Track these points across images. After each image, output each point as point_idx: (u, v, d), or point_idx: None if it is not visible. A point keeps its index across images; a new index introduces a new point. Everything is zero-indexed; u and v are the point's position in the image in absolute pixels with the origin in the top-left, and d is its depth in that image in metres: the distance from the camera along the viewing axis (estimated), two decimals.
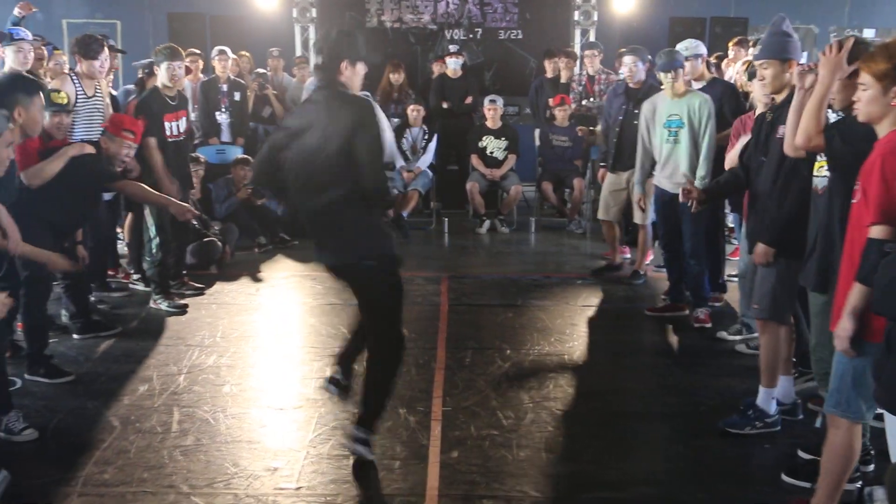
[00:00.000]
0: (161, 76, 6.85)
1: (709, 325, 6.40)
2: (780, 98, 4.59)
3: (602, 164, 7.83)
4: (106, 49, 6.51)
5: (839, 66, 3.71)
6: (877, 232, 3.19)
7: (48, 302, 5.52)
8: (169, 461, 4.23)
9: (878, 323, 3.19)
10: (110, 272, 7.45)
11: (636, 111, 7.14)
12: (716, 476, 4.21)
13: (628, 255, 8.34)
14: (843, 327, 3.31)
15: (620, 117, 7.42)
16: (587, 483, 4.11)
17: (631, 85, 7.36)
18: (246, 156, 9.45)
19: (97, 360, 5.69)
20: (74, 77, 6.39)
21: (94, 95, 6.45)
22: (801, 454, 4.30)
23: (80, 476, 4.09)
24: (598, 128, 8.55)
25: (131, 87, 8.07)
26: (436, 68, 11.00)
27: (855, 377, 3.37)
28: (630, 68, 7.24)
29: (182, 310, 6.76)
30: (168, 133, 6.78)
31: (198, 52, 10.05)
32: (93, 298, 6.68)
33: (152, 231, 6.74)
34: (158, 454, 4.30)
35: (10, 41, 6.39)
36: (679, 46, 6.74)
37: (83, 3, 12.96)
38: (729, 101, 6.70)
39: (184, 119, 6.99)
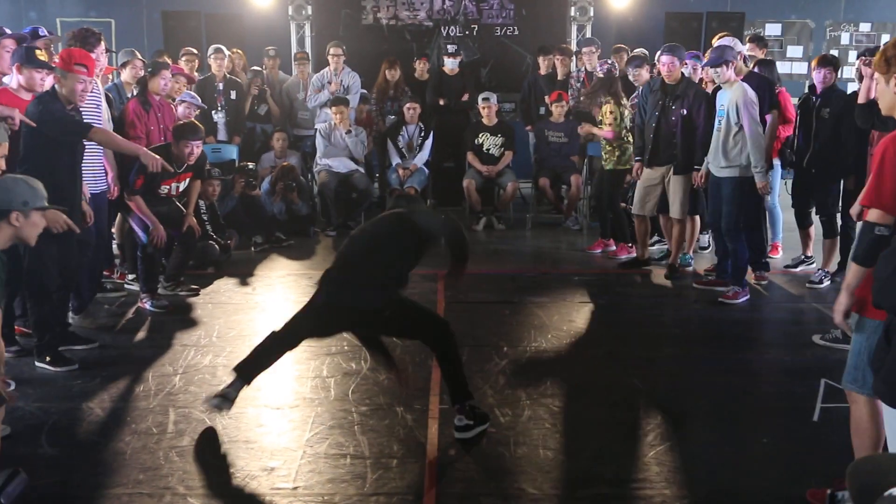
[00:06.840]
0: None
1: (735, 301, 6.92)
2: None
3: (637, 158, 7.80)
4: (102, 43, 6.42)
5: None
6: (870, 215, 3.34)
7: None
8: (165, 462, 4.20)
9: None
10: (105, 272, 7.42)
11: (673, 107, 7.30)
12: (712, 474, 4.19)
13: (613, 247, 8.70)
14: (840, 302, 3.47)
15: (657, 113, 7.42)
16: (585, 480, 4.09)
17: (668, 81, 7.37)
18: (245, 163, 9.45)
19: (92, 360, 5.65)
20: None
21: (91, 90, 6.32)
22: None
23: (76, 478, 4.06)
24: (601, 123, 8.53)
25: (119, 82, 7.99)
26: (418, 67, 10.94)
27: (870, 354, 3.40)
28: (668, 67, 7.24)
29: (165, 309, 6.76)
30: None
31: (194, 51, 10.03)
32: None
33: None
34: (154, 455, 4.28)
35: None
36: (727, 42, 7.14)
37: (77, 1, 12.92)
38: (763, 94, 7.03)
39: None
